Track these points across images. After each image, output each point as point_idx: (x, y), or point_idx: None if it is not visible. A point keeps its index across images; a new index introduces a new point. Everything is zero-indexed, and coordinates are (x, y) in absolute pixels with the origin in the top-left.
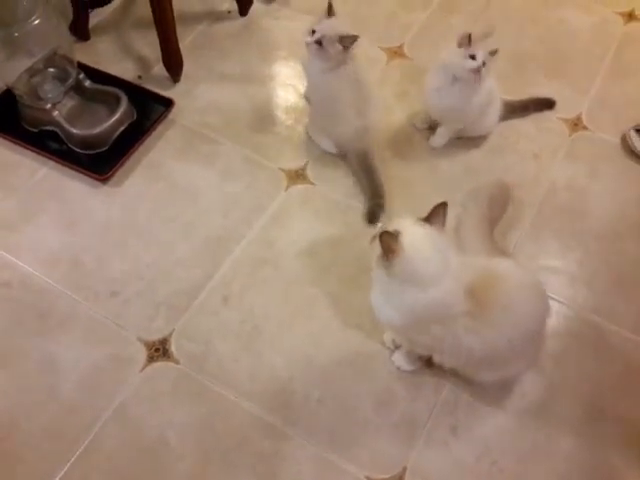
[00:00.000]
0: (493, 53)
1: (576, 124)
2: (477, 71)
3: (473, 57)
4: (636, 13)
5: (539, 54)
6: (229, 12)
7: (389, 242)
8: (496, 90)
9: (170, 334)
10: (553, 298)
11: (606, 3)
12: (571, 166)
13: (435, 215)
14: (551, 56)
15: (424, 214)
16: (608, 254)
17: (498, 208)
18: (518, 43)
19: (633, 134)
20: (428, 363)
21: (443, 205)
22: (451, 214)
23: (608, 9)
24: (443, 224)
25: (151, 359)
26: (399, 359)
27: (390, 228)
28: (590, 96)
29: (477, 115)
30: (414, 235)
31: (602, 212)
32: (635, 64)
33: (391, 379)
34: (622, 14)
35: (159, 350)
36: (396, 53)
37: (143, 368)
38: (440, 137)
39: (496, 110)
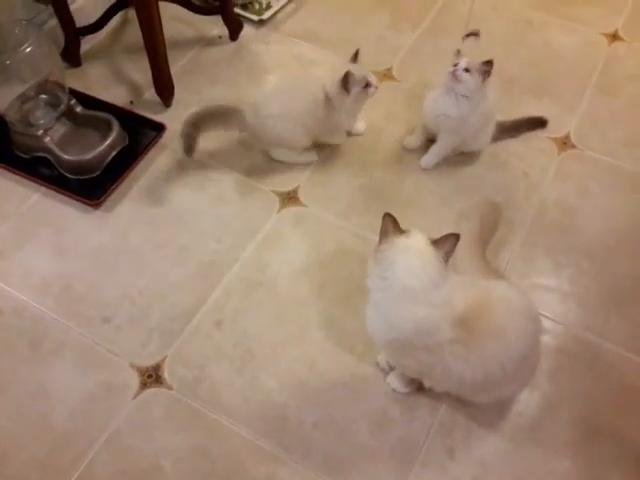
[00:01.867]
0: (487, 64)
1: (565, 143)
2: (453, 73)
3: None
4: (620, 34)
5: (526, 76)
6: (220, 37)
7: (389, 224)
8: (494, 108)
9: (163, 360)
10: (546, 316)
11: (590, 24)
12: (561, 184)
13: (443, 242)
14: (538, 77)
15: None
16: (599, 271)
17: (489, 227)
18: (505, 66)
19: None
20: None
21: (455, 237)
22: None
23: (592, 30)
24: (449, 256)
25: (144, 385)
26: (394, 381)
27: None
28: (578, 115)
29: (474, 129)
30: (416, 241)
31: (592, 229)
32: (620, 83)
33: (386, 401)
34: (606, 35)
35: (152, 376)
36: (385, 75)
37: (136, 395)
38: (431, 156)
39: (492, 127)
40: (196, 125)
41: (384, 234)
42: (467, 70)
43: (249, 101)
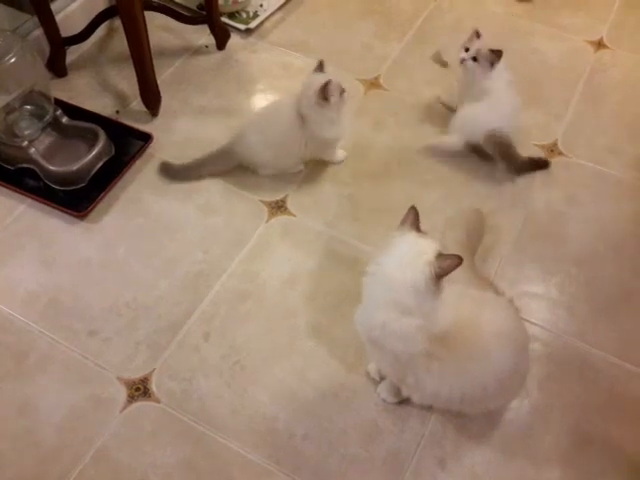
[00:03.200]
0: (495, 52)
1: (552, 150)
2: (461, 61)
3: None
4: (605, 41)
5: (514, 83)
6: (206, 47)
7: (411, 216)
8: (505, 95)
9: (151, 373)
10: (535, 324)
11: (576, 32)
12: (549, 192)
13: (446, 258)
14: (526, 85)
15: None
16: (588, 278)
17: (475, 235)
18: None
19: None
20: None
21: (459, 259)
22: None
23: (578, 38)
24: (444, 272)
25: (132, 399)
26: (384, 391)
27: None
28: (565, 123)
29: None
30: (424, 242)
31: (581, 236)
32: (606, 90)
33: (377, 411)
34: (592, 42)
35: (140, 389)
36: (373, 84)
37: (123, 408)
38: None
39: (508, 109)
40: (194, 168)
41: (402, 223)
42: (475, 59)
43: (234, 133)
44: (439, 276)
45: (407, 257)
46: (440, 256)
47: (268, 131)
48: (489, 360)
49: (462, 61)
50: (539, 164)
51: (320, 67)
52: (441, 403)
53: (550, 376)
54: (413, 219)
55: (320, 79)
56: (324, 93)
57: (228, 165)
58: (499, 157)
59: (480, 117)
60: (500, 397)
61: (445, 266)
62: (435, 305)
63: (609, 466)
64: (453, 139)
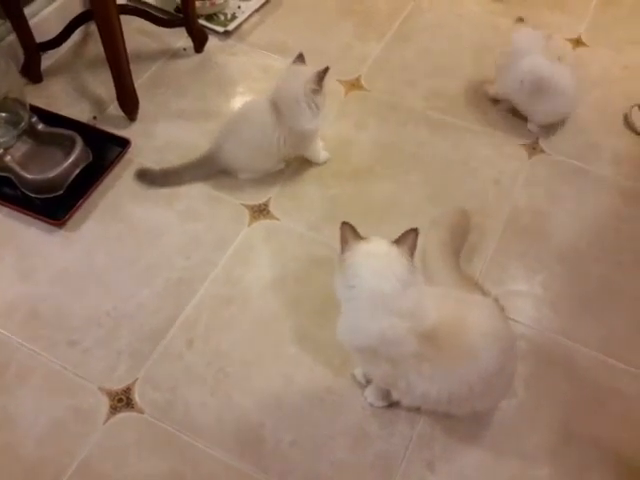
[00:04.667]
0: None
1: (534, 148)
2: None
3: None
4: (583, 39)
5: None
6: (184, 49)
7: (348, 232)
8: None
9: (133, 383)
10: (520, 322)
11: (554, 30)
12: (531, 189)
13: (404, 240)
14: None
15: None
16: (572, 275)
17: (459, 236)
18: (476, 71)
19: (635, 111)
20: None
21: (414, 231)
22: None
23: (557, 36)
24: (412, 251)
25: (114, 410)
26: (371, 395)
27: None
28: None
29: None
30: (377, 244)
31: (564, 234)
32: (586, 87)
33: (364, 416)
34: (570, 40)
35: (122, 400)
36: (354, 85)
37: (106, 420)
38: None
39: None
40: (173, 175)
41: (344, 242)
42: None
43: (213, 140)
44: (411, 254)
45: (378, 265)
46: (397, 241)
47: (243, 134)
48: (475, 360)
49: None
50: None
51: (300, 59)
52: (430, 404)
53: (536, 374)
54: (353, 234)
55: (306, 69)
56: (322, 80)
57: (208, 172)
58: None
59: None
60: (487, 397)
61: (409, 244)
62: (419, 298)
63: (596, 461)
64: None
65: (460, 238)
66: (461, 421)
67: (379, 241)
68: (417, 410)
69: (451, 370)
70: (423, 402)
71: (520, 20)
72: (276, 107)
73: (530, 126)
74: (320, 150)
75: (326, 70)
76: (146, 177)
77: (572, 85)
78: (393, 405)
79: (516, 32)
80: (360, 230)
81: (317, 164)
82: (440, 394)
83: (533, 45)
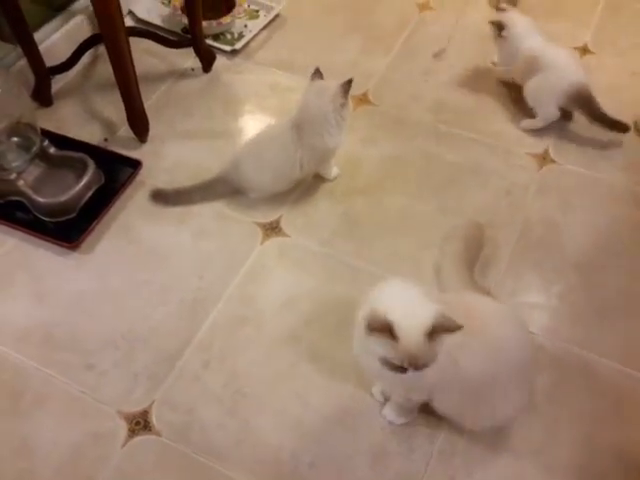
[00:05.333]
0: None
1: (544, 158)
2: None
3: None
4: (589, 47)
5: (502, 93)
6: (192, 69)
7: (376, 321)
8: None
9: (150, 405)
10: (537, 334)
11: (560, 38)
12: (543, 199)
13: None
14: (512, 92)
15: (400, 259)
16: (588, 285)
17: (474, 248)
18: (479, 82)
19: None
20: (422, 409)
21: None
22: (428, 259)
23: (563, 44)
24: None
25: (132, 433)
26: (390, 413)
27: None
28: (556, 130)
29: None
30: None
31: (578, 243)
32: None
33: (383, 434)
34: (577, 48)
35: (140, 423)
36: (362, 100)
37: (124, 443)
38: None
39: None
40: (185, 195)
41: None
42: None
43: (229, 160)
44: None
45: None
46: None
47: (263, 156)
48: (499, 347)
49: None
50: (618, 126)
51: (318, 74)
52: (451, 412)
53: (556, 386)
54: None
55: (329, 84)
56: (347, 92)
57: (221, 192)
58: (580, 110)
59: (551, 81)
60: (507, 402)
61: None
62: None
63: (621, 474)
64: (539, 123)
65: (474, 251)
66: (481, 436)
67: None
68: (436, 426)
69: (476, 354)
70: (444, 410)
71: (499, 9)
72: (299, 127)
73: (524, 124)
74: (332, 166)
75: (350, 82)
76: (160, 197)
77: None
78: (412, 422)
79: (506, 14)
80: (371, 245)
81: (328, 180)
82: (461, 400)
83: (529, 26)
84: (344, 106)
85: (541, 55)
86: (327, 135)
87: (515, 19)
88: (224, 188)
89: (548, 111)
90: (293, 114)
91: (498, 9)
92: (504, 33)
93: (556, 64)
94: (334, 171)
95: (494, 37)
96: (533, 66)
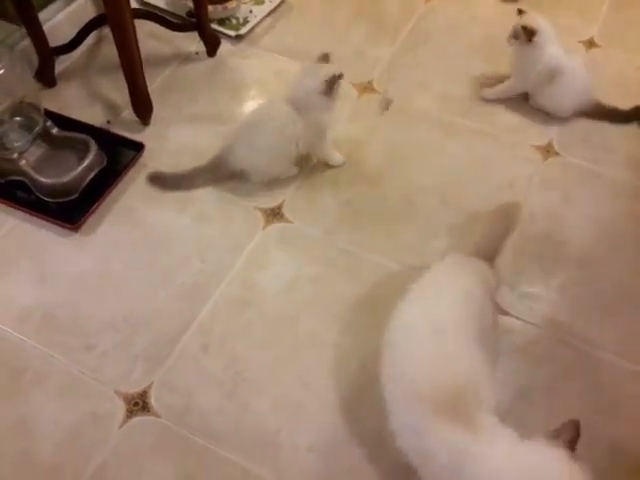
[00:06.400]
0: (527, 29)
1: (548, 150)
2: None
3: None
4: (596, 41)
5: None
6: (197, 53)
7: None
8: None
9: (149, 386)
10: (537, 325)
11: (567, 32)
12: (546, 192)
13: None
14: None
15: (402, 248)
16: (589, 279)
17: (500, 236)
18: (488, 73)
19: None
20: None
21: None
22: (430, 248)
23: (570, 38)
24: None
25: (130, 414)
26: None
27: None
28: (560, 122)
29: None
30: None
31: (580, 236)
32: (602, 87)
33: (382, 420)
34: (583, 42)
35: (138, 404)
36: (366, 88)
37: (122, 424)
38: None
39: (563, 91)
40: (184, 179)
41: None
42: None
43: (223, 143)
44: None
45: None
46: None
47: (257, 136)
48: None
49: (508, 41)
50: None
51: (325, 58)
52: None
53: (555, 379)
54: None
55: (321, 68)
56: (331, 87)
57: (220, 175)
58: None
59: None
60: None
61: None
62: None
63: (613, 466)
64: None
65: (500, 238)
66: None
67: None
68: None
69: None
70: None
71: (521, 12)
72: (295, 103)
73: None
74: (333, 151)
75: (338, 77)
76: (158, 181)
77: (585, 71)
78: None
79: (535, 20)
80: (374, 233)
81: (334, 166)
82: None
83: (552, 33)
84: (328, 95)
85: (564, 63)
86: (320, 111)
87: (542, 24)
88: (221, 171)
89: (565, 114)
90: (286, 93)
91: (520, 12)
92: (535, 39)
93: (577, 72)
94: (338, 157)
95: (519, 43)
96: (553, 73)
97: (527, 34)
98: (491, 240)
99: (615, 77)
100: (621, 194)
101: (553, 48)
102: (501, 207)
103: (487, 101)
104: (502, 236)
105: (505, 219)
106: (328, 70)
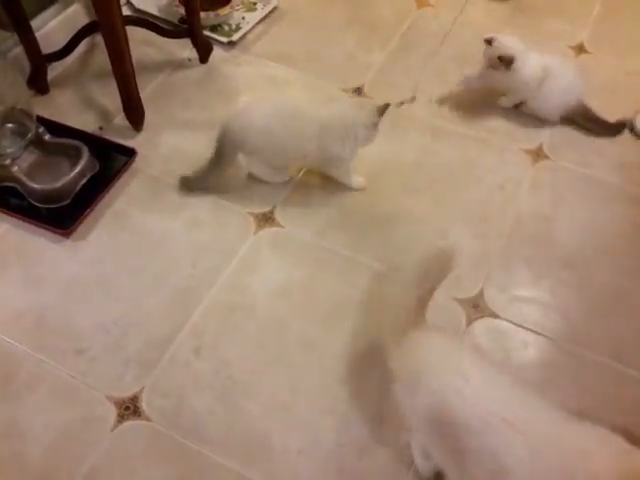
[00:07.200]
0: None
1: (538, 154)
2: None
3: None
4: (585, 46)
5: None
6: (189, 60)
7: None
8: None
9: (141, 391)
10: (528, 329)
11: (557, 38)
12: (536, 195)
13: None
14: None
15: (393, 251)
16: (579, 281)
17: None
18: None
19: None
20: None
21: None
22: (421, 251)
23: (560, 43)
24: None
25: (122, 418)
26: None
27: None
28: (551, 125)
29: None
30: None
31: (570, 239)
32: (592, 93)
33: (372, 424)
34: (573, 47)
35: (129, 408)
36: (358, 94)
37: (114, 428)
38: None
39: (553, 97)
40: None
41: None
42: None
43: (233, 112)
44: None
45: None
46: None
47: (276, 125)
48: None
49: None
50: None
51: (384, 109)
52: None
53: (545, 381)
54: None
55: (365, 101)
56: (382, 112)
57: (230, 156)
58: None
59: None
60: None
61: None
62: None
63: None
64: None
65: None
66: None
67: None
68: None
69: None
70: None
71: (490, 41)
72: (325, 128)
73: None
74: (352, 175)
75: (388, 106)
76: (186, 184)
77: (573, 73)
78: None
79: (500, 41)
80: (365, 237)
81: (351, 189)
82: None
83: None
84: (375, 125)
85: (549, 67)
86: (344, 145)
87: (514, 45)
88: (230, 149)
89: (554, 118)
90: (322, 114)
91: (489, 42)
92: (514, 65)
93: (565, 75)
94: (357, 180)
95: (499, 72)
96: (541, 79)
97: (506, 63)
98: (425, 287)
99: (605, 82)
100: (611, 197)
101: (532, 58)
102: (436, 255)
103: (481, 105)
104: (435, 283)
105: (439, 267)
106: (373, 104)
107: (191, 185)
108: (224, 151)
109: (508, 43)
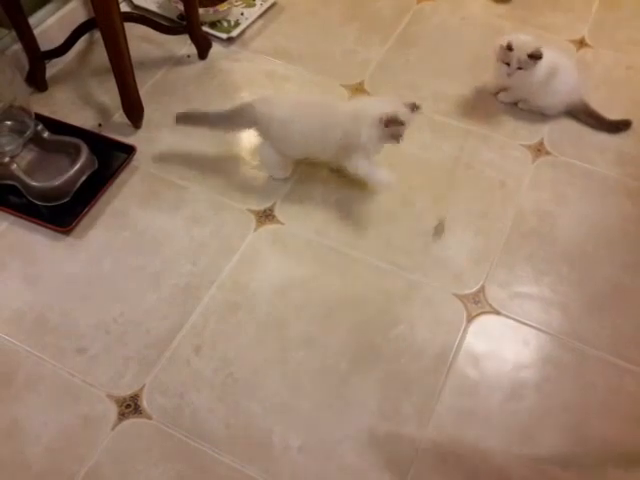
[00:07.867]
0: (534, 55)
1: (539, 150)
2: (508, 75)
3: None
4: (586, 40)
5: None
6: (188, 56)
7: None
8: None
9: (141, 389)
10: (530, 325)
11: (558, 32)
12: (537, 191)
13: None
14: None
15: (394, 248)
16: (580, 277)
17: None
18: (477, 74)
19: None
20: None
21: None
22: (421, 247)
23: (560, 37)
24: None
25: (122, 416)
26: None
27: None
28: (550, 121)
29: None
30: None
31: (571, 235)
32: (591, 88)
33: (373, 420)
34: (574, 41)
35: (130, 406)
36: (357, 90)
37: (114, 426)
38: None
39: (557, 92)
40: (200, 119)
41: None
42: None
43: (261, 96)
44: None
45: None
46: None
47: (300, 118)
48: None
49: (509, 75)
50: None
51: (414, 108)
52: None
53: (546, 377)
54: None
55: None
56: (413, 110)
57: (238, 125)
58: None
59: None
60: None
61: None
62: None
63: (607, 463)
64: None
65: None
66: (471, 423)
67: None
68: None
69: None
70: None
71: (509, 47)
72: (357, 118)
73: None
74: (378, 170)
75: (417, 107)
76: (183, 119)
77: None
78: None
79: (521, 40)
80: (365, 235)
81: (379, 189)
82: None
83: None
84: (403, 125)
85: (557, 62)
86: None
87: (532, 40)
88: (242, 122)
89: (556, 112)
90: (354, 105)
91: (507, 48)
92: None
93: (569, 69)
94: (384, 176)
95: (524, 70)
96: (550, 75)
97: (535, 59)
98: None
99: (605, 77)
100: (612, 192)
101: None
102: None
103: (481, 100)
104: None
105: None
106: (404, 102)
107: (186, 120)
108: (238, 121)
109: (528, 40)
